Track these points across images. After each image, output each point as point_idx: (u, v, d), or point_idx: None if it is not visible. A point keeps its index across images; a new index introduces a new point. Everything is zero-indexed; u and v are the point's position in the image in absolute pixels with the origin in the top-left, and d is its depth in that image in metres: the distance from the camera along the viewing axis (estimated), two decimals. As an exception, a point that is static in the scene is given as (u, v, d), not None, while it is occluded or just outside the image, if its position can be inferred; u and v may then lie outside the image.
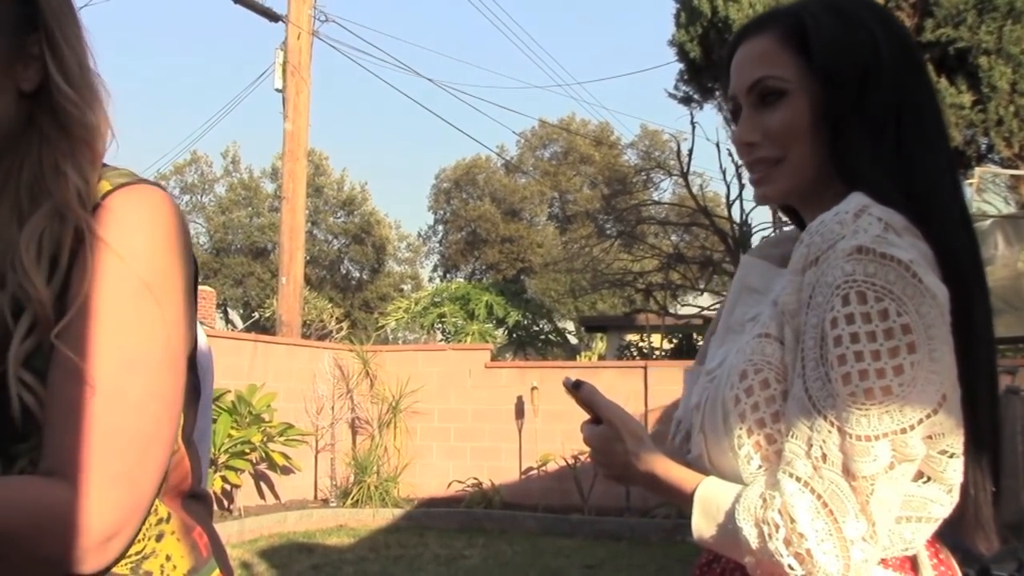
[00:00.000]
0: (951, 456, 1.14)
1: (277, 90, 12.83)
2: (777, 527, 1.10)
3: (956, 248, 1.20)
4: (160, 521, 1.15)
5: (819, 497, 1.10)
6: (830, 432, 1.10)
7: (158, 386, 1.07)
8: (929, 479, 1.16)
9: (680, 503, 1.25)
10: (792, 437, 1.13)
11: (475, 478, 10.39)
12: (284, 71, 12.73)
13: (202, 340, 2.09)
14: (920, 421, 1.09)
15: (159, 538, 1.14)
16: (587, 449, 1.36)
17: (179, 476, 1.19)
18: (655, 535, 8.91)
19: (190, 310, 1.16)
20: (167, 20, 53.83)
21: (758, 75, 1.31)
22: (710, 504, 1.20)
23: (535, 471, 10.35)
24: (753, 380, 1.19)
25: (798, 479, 1.11)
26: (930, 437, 1.11)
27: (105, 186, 1.11)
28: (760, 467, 1.18)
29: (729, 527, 1.16)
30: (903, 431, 1.08)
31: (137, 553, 1.10)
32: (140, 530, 1.09)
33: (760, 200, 1.35)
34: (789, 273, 1.21)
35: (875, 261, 1.11)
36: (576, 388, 1.36)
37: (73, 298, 1.04)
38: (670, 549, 8.27)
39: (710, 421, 1.25)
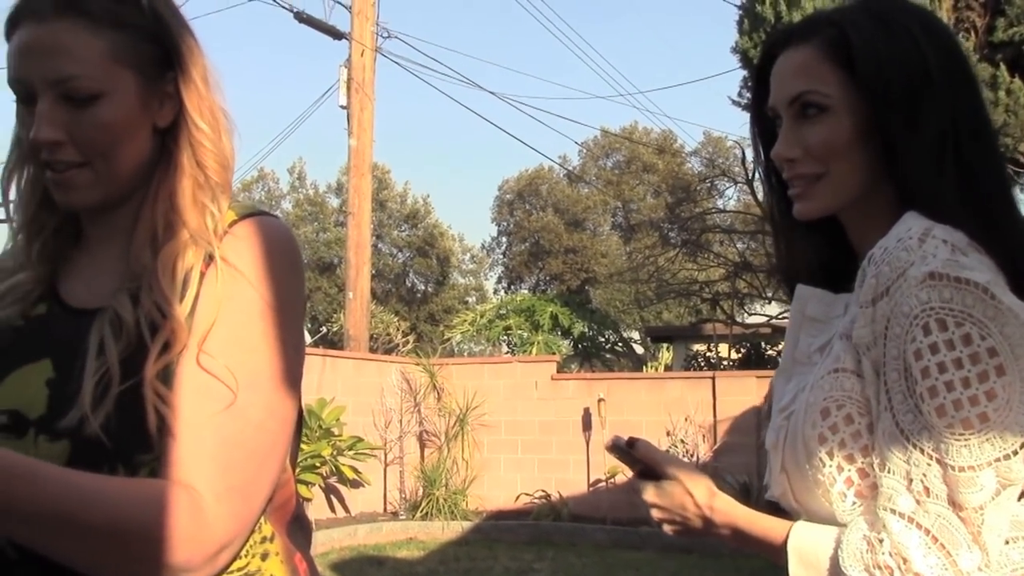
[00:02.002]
0: None
1: (342, 107, 12.99)
2: (891, 571, 1.07)
3: (1022, 259, 1.17)
4: (265, 540, 1.19)
5: (927, 532, 1.07)
6: (929, 465, 1.07)
7: (277, 405, 1.14)
8: None
9: (770, 554, 1.21)
10: (888, 472, 1.11)
11: (543, 490, 10.37)
12: (348, 88, 12.88)
13: None
14: (1022, 445, 1.06)
15: (264, 557, 1.19)
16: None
17: (284, 496, 1.24)
18: (726, 547, 8.80)
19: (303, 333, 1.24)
20: (232, 40, 54.92)
21: (799, 89, 1.27)
22: (808, 553, 1.16)
23: (603, 483, 10.29)
24: (837, 417, 1.17)
25: (902, 515, 1.08)
26: None
27: (231, 215, 1.20)
28: (855, 504, 1.15)
29: None
30: (1006, 457, 1.06)
31: (240, 569, 1.15)
32: (245, 544, 1.14)
33: (800, 216, 1.31)
34: (857, 305, 1.18)
35: (950, 286, 1.08)
36: (630, 447, 1.32)
37: (202, 318, 1.12)
38: (741, 562, 8.15)
39: (792, 460, 1.21)
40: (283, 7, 12.67)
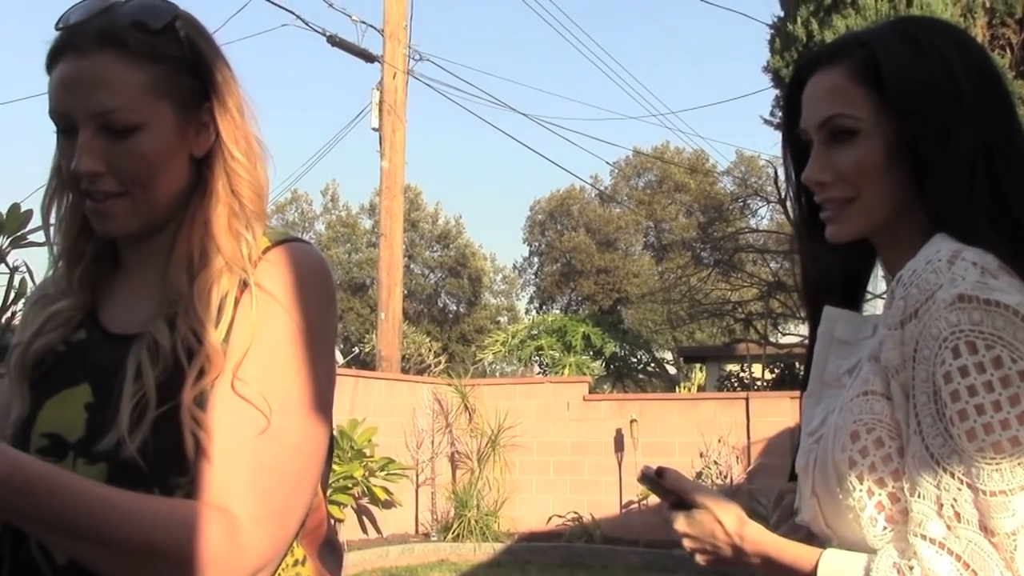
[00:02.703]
0: None
1: (374, 129, 13.08)
2: None
3: None
4: (296, 563, 1.20)
5: (959, 558, 1.05)
6: (960, 489, 1.06)
7: (310, 429, 1.16)
8: None
9: None
10: (918, 497, 1.09)
11: (575, 512, 10.32)
12: (380, 110, 12.97)
13: None
14: None
15: None
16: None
17: (316, 520, 1.25)
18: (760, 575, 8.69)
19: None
20: (267, 64, 55.60)
21: (829, 112, 1.26)
22: None
23: (636, 505, 10.22)
24: (867, 440, 1.15)
25: (932, 541, 1.07)
26: None
27: (265, 242, 1.23)
28: (886, 528, 1.14)
29: None
30: None
31: None
32: (278, 568, 1.16)
33: (832, 239, 1.30)
34: (885, 327, 1.17)
35: (979, 308, 1.07)
36: (659, 476, 1.31)
37: (237, 342, 1.15)
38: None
39: (823, 484, 1.20)
40: (316, 31, 12.81)
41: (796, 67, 1.37)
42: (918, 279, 1.13)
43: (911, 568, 1.08)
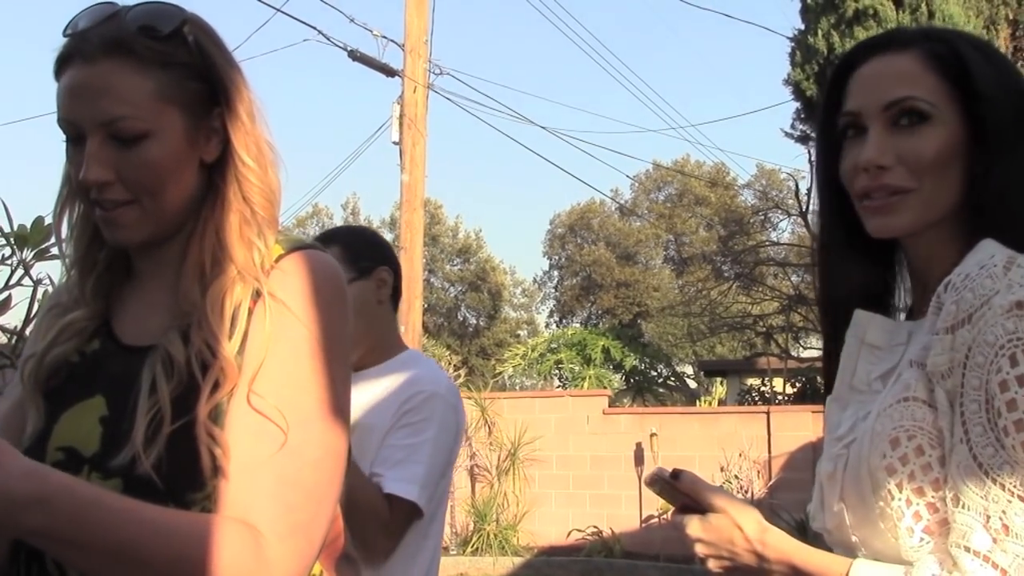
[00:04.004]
0: None
1: (394, 143, 13.10)
2: None
3: None
4: None
5: (1004, 572, 1.03)
6: (1010, 502, 1.03)
7: (331, 442, 1.14)
8: None
9: None
10: (963, 508, 1.06)
11: (595, 526, 10.27)
12: (400, 124, 13.00)
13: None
14: None
15: None
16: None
17: (333, 534, 1.26)
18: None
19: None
20: (287, 78, 55.97)
21: (902, 94, 1.21)
22: None
23: (656, 519, 10.17)
24: (907, 447, 1.12)
25: (977, 553, 1.04)
26: None
27: (278, 250, 1.21)
28: (923, 540, 1.11)
29: None
30: None
31: None
32: None
33: (880, 231, 1.24)
34: (930, 332, 1.14)
35: None
36: (675, 478, 1.26)
37: (252, 354, 1.13)
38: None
39: (854, 491, 1.17)
40: (338, 46, 12.87)
41: (850, 51, 1.31)
42: (972, 283, 1.10)
43: None
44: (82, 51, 1.15)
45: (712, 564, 1.25)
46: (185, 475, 1.09)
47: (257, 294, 1.16)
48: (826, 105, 1.33)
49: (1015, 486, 1.03)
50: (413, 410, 2.09)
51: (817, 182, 1.37)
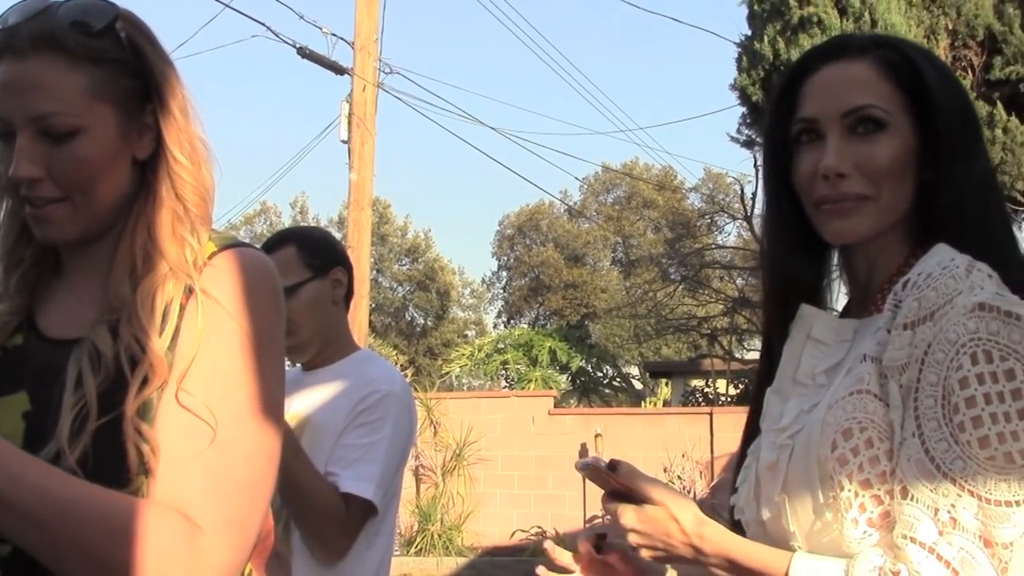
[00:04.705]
0: None
1: (343, 141, 13.02)
2: None
3: None
4: None
5: (948, 564, 1.04)
6: (960, 496, 1.05)
7: (264, 438, 1.14)
8: None
9: None
10: (911, 501, 1.08)
11: (539, 526, 10.29)
12: (349, 123, 12.92)
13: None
14: None
15: None
16: None
17: (263, 532, 1.23)
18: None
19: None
20: (235, 75, 55.35)
21: (861, 102, 1.23)
22: None
23: (599, 519, 10.21)
24: (859, 439, 1.13)
25: (923, 544, 1.06)
26: None
27: (211, 247, 1.19)
28: (866, 532, 1.12)
29: None
30: None
31: None
32: None
33: (837, 237, 1.26)
34: (886, 327, 1.16)
35: (999, 319, 1.07)
36: (612, 470, 1.25)
37: (183, 351, 1.12)
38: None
39: (799, 481, 1.17)
40: (287, 43, 12.75)
41: (803, 57, 1.33)
42: (935, 282, 1.12)
43: (897, 572, 1.06)
44: (12, 46, 1.13)
45: (645, 555, 1.25)
46: (111, 471, 1.07)
47: (189, 291, 1.15)
48: (776, 110, 1.33)
49: (966, 481, 1.05)
50: (368, 409, 2.11)
51: (765, 186, 1.37)
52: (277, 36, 12.71)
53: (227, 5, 11.43)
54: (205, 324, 1.13)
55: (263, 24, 12.85)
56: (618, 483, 1.26)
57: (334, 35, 13.18)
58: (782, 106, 1.32)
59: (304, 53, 12.95)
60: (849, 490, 1.12)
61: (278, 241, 2.28)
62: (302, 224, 34.51)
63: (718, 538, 1.19)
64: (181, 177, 1.19)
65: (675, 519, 1.20)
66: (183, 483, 1.07)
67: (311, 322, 2.20)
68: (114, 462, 1.07)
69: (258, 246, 1.45)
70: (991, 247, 1.18)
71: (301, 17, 12.91)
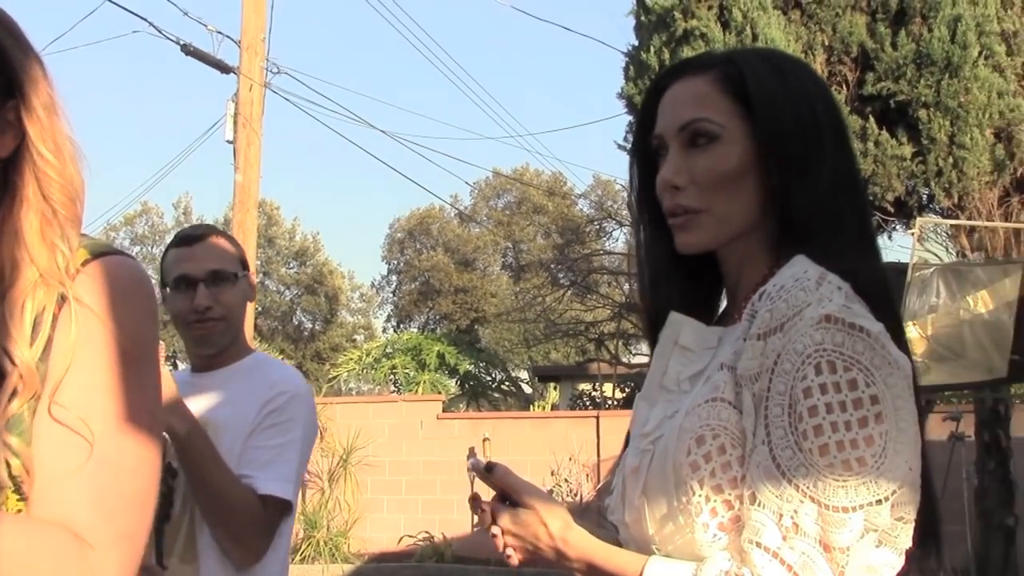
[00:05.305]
0: (906, 523, 1.12)
1: (228, 142, 12.76)
2: None
3: (898, 317, 1.21)
4: None
5: (790, 568, 1.08)
6: (802, 502, 1.08)
7: (145, 450, 1.11)
8: (882, 543, 1.13)
9: None
10: (759, 506, 1.11)
11: (427, 532, 10.26)
12: (235, 123, 12.67)
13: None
14: (893, 492, 1.08)
15: None
16: None
17: None
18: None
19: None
20: (115, 72, 53.62)
21: (691, 116, 1.27)
22: None
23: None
24: (711, 445, 1.16)
25: (767, 549, 1.09)
26: (893, 506, 1.10)
27: (83, 254, 1.14)
28: (716, 536, 1.15)
29: None
30: (877, 503, 1.08)
31: None
32: None
33: (682, 248, 1.30)
34: (743, 337, 1.18)
35: (843, 331, 1.10)
36: (488, 471, 1.30)
37: (57, 362, 1.08)
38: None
39: (657, 486, 1.20)
40: (170, 39, 12.43)
41: (658, 76, 1.37)
42: (786, 294, 1.15)
43: (741, 574, 1.09)
44: None
45: (513, 556, 1.28)
46: None
47: (62, 299, 1.10)
48: (640, 127, 1.38)
49: (808, 487, 1.08)
50: (277, 411, 2.13)
51: (636, 199, 1.41)
52: (160, 32, 12.38)
53: (107, -1, 11.07)
54: (79, 334, 1.09)
55: (145, 20, 12.46)
56: (496, 486, 1.30)
57: (220, 33, 12.91)
58: (644, 123, 1.36)
59: (188, 51, 12.65)
60: (700, 495, 1.15)
61: (209, 231, 2.31)
62: (185, 225, 33.67)
63: (581, 543, 1.23)
64: (48, 176, 1.14)
65: (543, 523, 1.24)
66: (66, 499, 1.04)
67: (236, 317, 2.25)
68: None
69: (130, 252, 1.40)
70: (845, 254, 1.21)
71: (185, 14, 12.60)
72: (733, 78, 1.27)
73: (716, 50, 1.39)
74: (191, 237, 2.26)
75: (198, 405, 2.12)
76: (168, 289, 2.23)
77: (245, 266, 2.31)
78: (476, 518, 1.36)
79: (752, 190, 1.26)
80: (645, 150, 1.36)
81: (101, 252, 1.16)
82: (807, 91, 1.27)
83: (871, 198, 7.77)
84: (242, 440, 2.08)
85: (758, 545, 1.10)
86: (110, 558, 1.04)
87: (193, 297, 2.18)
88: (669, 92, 1.32)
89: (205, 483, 1.99)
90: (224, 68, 12.96)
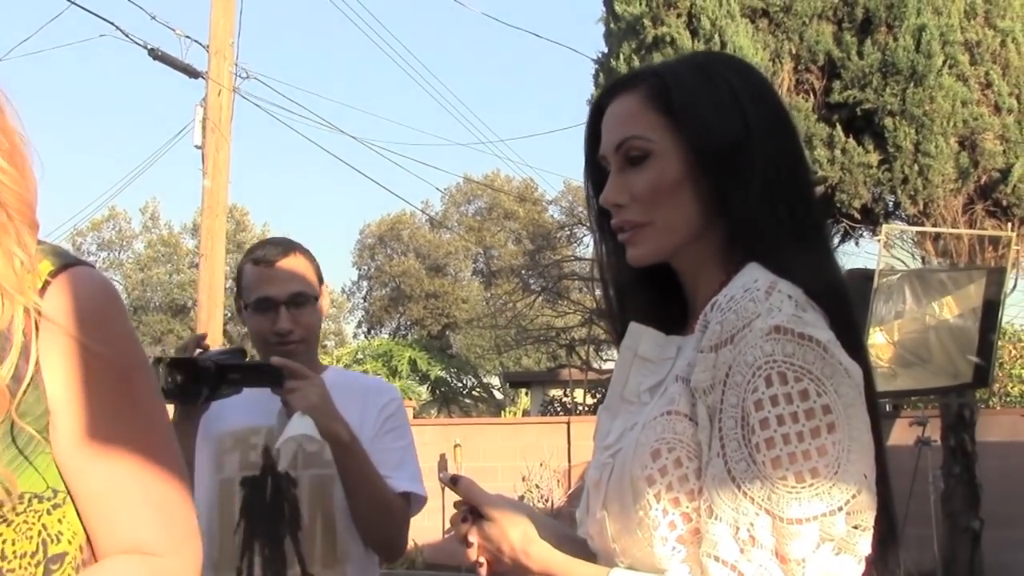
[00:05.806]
0: (863, 530, 1.12)
1: (196, 147, 12.68)
2: None
3: (852, 318, 1.22)
4: None
5: None
6: (757, 515, 1.08)
7: (170, 455, 1.15)
8: (841, 551, 1.13)
9: None
10: (715, 519, 1.11)
11: (397, 538, 10.23)
12: (204, 128, 12.59)
13: None
14: (847, 502, 1.08)
15: None
16: None
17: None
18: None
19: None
20: (83, 76, 53.10)
21: (624, 135, 1.28)
22: None
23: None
24: (667, 459, 1.16)
25: (725, 562, 1.09)
26: (848, 514, 1.10)
27: (47, 266, 1.10)
28: (675, 549, 1.15)
29: None
30: (832, 513, 1.08)
31: None
32: None
33: (633, 262, 1.31)
34: (697, 349, 1.18)
35: (793, 341, 1.10)
36: (454, 483, 1.32)
37: (56, 397, 1.06)
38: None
39: (616, 500, 1.20)
40: (137, 43, 12.34)
41: (596, 96, 1.38)
42: (736, 305, 1.15)
43: None
44: None
45: (482, 568, 1.29)
46: None
47: (26, 312, 1.06)
48: (588, 146, 1.38)
49: (763, 500, 1.08)
50: (393, 415, 2.25)
51: (593, 218, 1.41)
52: (127, 36, 12.29)
53: (73, 2, 10.98)
54: (71, 364, 1.07)
55: (112, 23, 12.37)
56: (462, 499, 1.31)
57: (188, 37, 12.82)
58: (592, 143, 1.37)
59: (156, 55, 12.55)
60: (657, 509, 1.15)
61: (289, 248, 2.24)
62: (153, 231, 33.44)
63: (543, 556, 1.23)
64: (4, 185, 1.09)
65: (506, 535, 1.25)
66: (125, 524, 1.09)
67: (315, 337, 2.27)
68: None
69: (92, 261, 1.39)
70: (793, 253, 1.21)
71: (153, 18, 12.52)
72: (660, 92, 1.28)
73: (649, 64, 1.40)
74: (272, 255, 2.20)
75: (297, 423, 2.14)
76: (248, 308, 2.20)
77: (321, 279, 2.28)
78: (448, 524, 1.37)
79: (692, 199, 1.26)
80: (596, 168, 1.37)
81: (65, 264, 1.12)
82: (733, 90, 1.27)
83: (839, 205, 7.85)
84: (367, 447, 2.11)
85: (716, 559, 1.10)
86: (176, 562, 1.11)
87: (275, 320, 2.15)
88: (608, 111, 1.33)
89: (366, 486, 2.06)
90: (193, 73, 12.87)
